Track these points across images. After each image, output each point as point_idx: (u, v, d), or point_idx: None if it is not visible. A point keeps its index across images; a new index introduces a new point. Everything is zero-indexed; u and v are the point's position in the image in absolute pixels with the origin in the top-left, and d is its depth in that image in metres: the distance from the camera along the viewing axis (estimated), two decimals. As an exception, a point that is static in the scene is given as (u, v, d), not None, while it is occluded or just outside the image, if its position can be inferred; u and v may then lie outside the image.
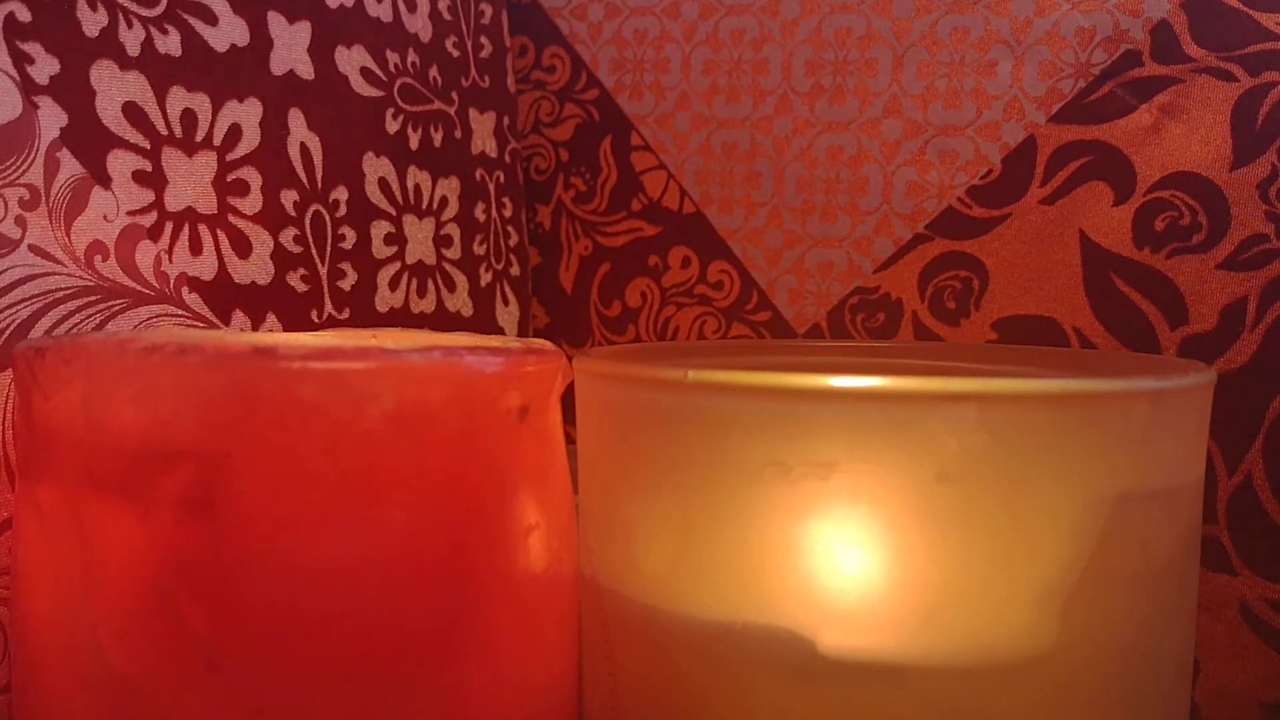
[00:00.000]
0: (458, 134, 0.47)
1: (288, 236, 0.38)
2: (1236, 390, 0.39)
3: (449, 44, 0.47)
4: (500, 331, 0.49)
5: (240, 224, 0.36)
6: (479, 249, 0.48)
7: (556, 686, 0.26)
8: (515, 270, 0.51)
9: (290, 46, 0.38)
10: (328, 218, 0.40)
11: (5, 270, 0.29)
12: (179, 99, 0.34)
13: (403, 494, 0.22)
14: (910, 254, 0.45)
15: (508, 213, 0.50)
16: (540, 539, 0.25)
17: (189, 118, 0.35)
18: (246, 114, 0.37)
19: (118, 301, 0.32)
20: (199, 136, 0.35)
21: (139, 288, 0.33)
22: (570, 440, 0.27)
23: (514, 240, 0.51)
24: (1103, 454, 0.22)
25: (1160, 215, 0.41)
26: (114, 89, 0.33)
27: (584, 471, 0.27)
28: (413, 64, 0.44)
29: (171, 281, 0.34)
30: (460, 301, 0.46)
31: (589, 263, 0.52)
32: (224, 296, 0.35)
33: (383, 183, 0.42)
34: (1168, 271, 0.40)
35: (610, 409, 0.26)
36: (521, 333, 0.51)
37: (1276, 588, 0.39)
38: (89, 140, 0.32)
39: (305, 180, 0.39)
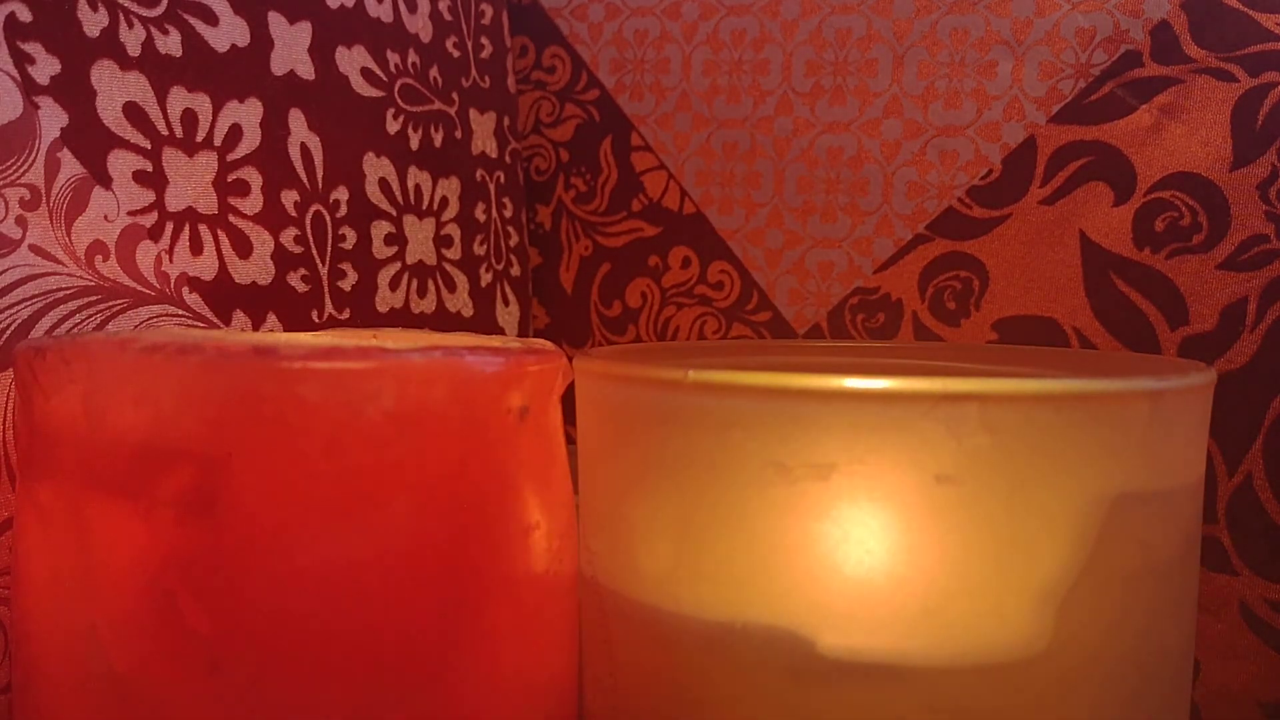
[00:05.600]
0: (458, 134, 0.47)
1: (288, 237, 0.38)
2: (1236, 390, 0.39)
3: (449, 44, 0.47)
4: (500, 331, 0.49)
5: (241, 224, 0.36)
6: (479, 249, 0.48)
7: (556, 686, 0.26)
8: (515, 270, 0.51)
9: (291, 47, 0.38)
10: (328, 218, 0.40)
11: (6, 270, 0.29)
12: (179, 99, 0.34)
13: (403, 494, 0.22)
14: (910, 254, 0.45)
15: (508, 213, 0.50)
16: (541, 539, 0.25)
17: (189, 118, 0.35)
18: (247, 114, 0.37)
19: (118, 301, 0.32)
20: (199, 136, 0.35)
21: (139, 288, 0.33)
22: (570, 440, 0.27)
23: (514, 240, 0.51)
24: (1103, 454, 0.22)
25: (1160, 215, 0.41)
26: (114, 89, 0.33)
27: (584, 471, 0.27)
28: (413, 64, 0.44)
29: (172, 281, 0.34)
30: (460, 302, 0.46)
31: (589, 263, 0.52)
32: (224, 296, 0.35)
33: (383, 183, 0.42)
34: (1168, 272, 0.40)
35: (610, 409, 0.26)
36: (522, 333, 0.51)
37: (1276, 588, 0.39)
38: (90, 140, 0.32)
39: (306, 180, 0.39)
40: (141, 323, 0.33)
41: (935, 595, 0.21)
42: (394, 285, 0.42)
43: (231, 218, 0.36)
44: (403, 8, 0.44)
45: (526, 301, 0.52)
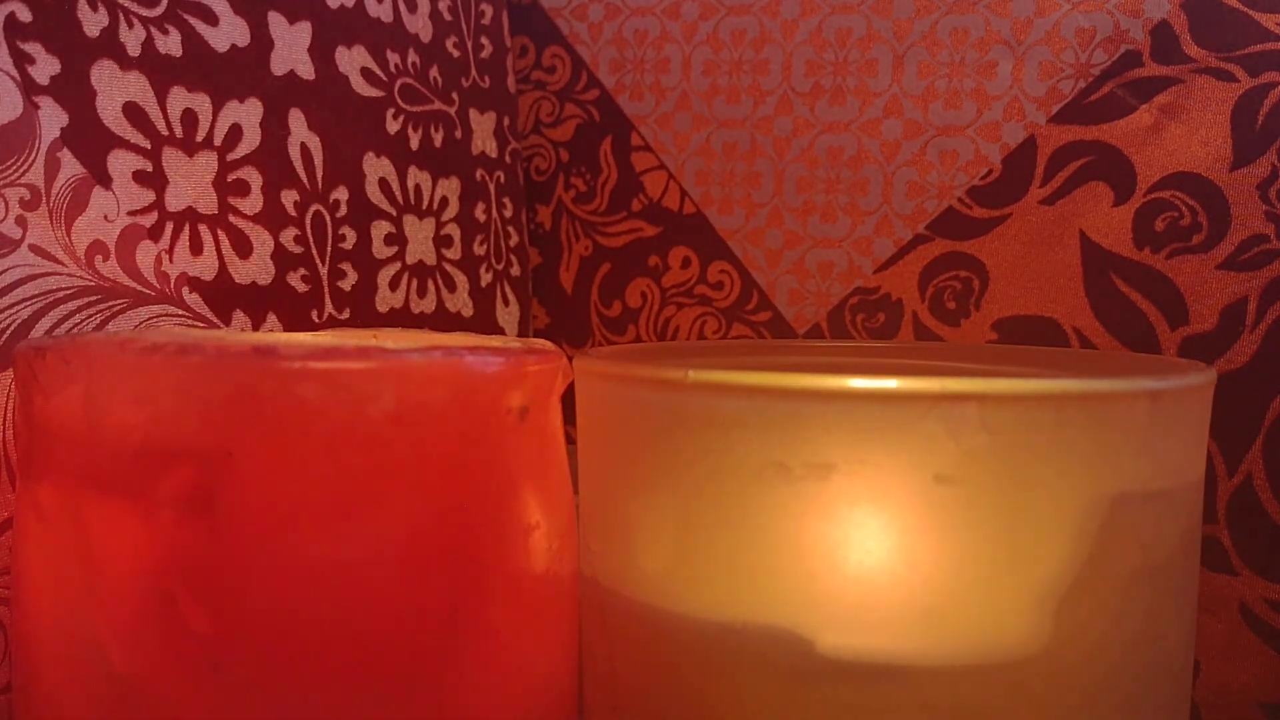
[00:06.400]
0: (458, 134, 0.47)
1: (288, 236, 0.38)
2: (1236, 390, 0.39)
3: (449, 44, 0.47)
4: (500, 331, 0.49)
5: (241, 224, 0.36)
6: (479, 249, 0.48)
7: (556, 686, 0.26)
8: (515, 270, 0.51)
9: (291, 47, 0.38)
10: (328, 218, 0.40)
11: (6, 270, 0.29)
12: (179, 99, 0.34)
13: (403, 494, 0.22)
14: (910, 254, 0.45)
15: (508, 213, 0.50)
16: (540, 539, 0.25)
17: (189, 118, 0.35)
18: (247, 114, 0.37)
19: (118, 301, 0.32)
20: (199, 136, 0.35)
21: (139, 288, 0.33)
22: (570, 440, 0.27)
23: (514, 240, 0.51)
24: (1102, 454, 0.22)
25: (1160, 215, 0.41)
26: (114, 89, 0.33)
27: (584, 471, 0.27)
28: (413, 64, 0.44)
29: (172, 281, 0.34)
30: (460, 302, 0.46)
31: (589, 263, 0.52)
32: (224, 296, 0.35)
33: (383, 183, 0.42)
34: (1168, 271, 0.40)
35: (610, 409, 0.26)
36: (522, 333, 0.51)
37: (1276, 588, 0.39)
38: (90, 140, 0.32)
39: (306, 180, 0.39)
40: (141, 323, 0.33)
41: (935, 595, 0.21)
42: (394, 285, 0.43)
43: (231, 218, 0.36)
44: (403, 8, 0.44)
45: (526, 301, 0.52)
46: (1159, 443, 0.22)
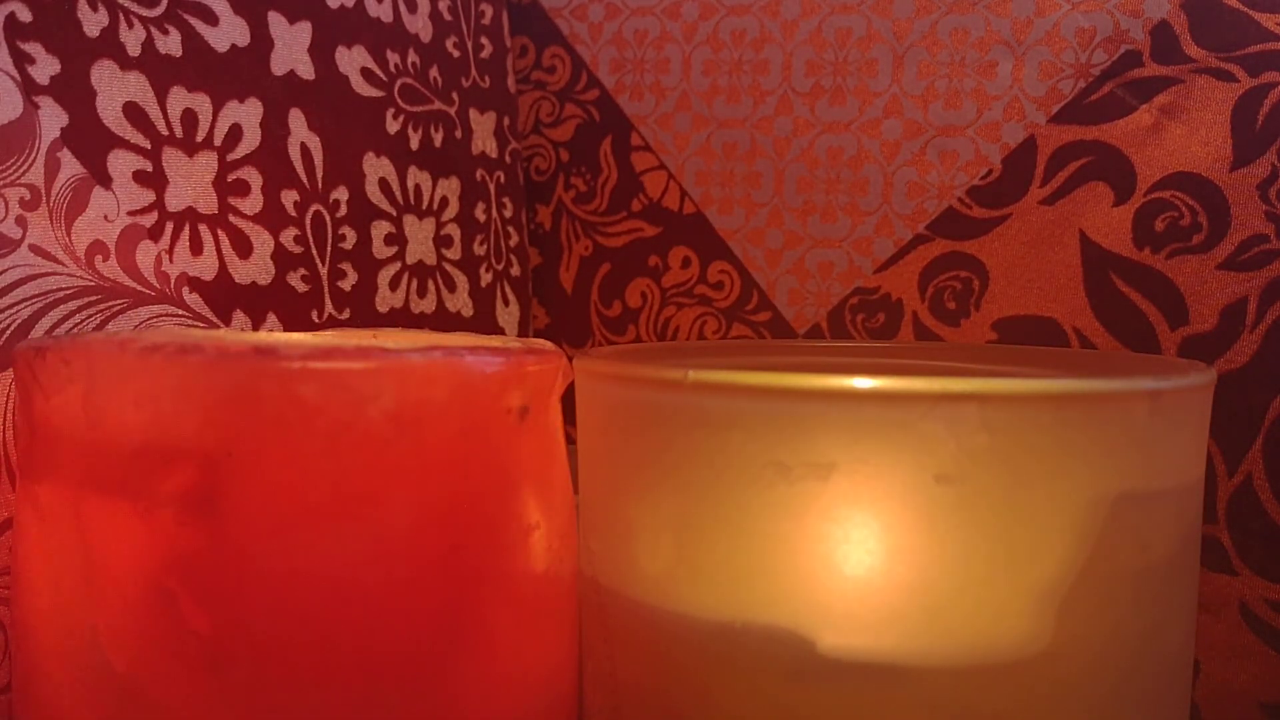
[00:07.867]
0: (458, 134, 0.47)
1: (288, 236, 0.38)
2: (1236, 390, 0.39)
3: (449, 44, 0.47)
4: (500, 332, 0.49)
5: (241, 224, 0.36)
6: (479, 249, 0.48)
7: (556, 686, 0.26)
8: (516, 270, 0.51)
9: (291, 47, 0.38)
10: (328, 218, 0.40)
11: (6, 270, 0.29)
12: (179, 99, 0.34)
13: (403, 494, 0.22)
14: (910, 254, 0.45)
15: (508, 213, 0.50)
16: (540, 539, 0.25)
17: (189, 118, 0.35)
18: (247, 114, 0.37)
19: (118, 301, 0.32)
20: (199, 136, 0.35)
21: (139, 288, 0.33)
22: (570, 440, 0.27)
23: (514, 240, 0.51)
24: (1102, 454, 0.22)
25: (1160, 215, 0.41)
26: (115, 89, 0.33)
27: (584, 471, 0.27)
28: (413, 64, 0.44)
29: (172, 281, 0.34)
30: (461, 302, 0.46)
31: (589, 263, 0.52)
32: (224, 296, 0.35)
33: (383, 183, 0.42)
34: (1168, 271, 0.40)
35: (610, 409, 0.26)
36: (522, 333, 0.51)
37: (1276, 588, 0.39)
38: (90, 140, 0.32)
39: (306, 180, 0.39)
40: (141, 323, 0.33)
41: (935, 595, 0.21)
42: (394, 285, 0.42)
43: (231, 218, 0.36)
44: (403, 8, 0.44)
45: (526, 301, 0.52)
46: (1159, 443, 0.22)
